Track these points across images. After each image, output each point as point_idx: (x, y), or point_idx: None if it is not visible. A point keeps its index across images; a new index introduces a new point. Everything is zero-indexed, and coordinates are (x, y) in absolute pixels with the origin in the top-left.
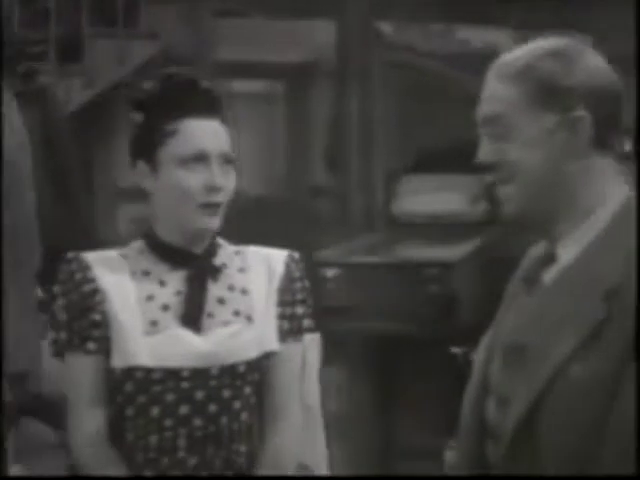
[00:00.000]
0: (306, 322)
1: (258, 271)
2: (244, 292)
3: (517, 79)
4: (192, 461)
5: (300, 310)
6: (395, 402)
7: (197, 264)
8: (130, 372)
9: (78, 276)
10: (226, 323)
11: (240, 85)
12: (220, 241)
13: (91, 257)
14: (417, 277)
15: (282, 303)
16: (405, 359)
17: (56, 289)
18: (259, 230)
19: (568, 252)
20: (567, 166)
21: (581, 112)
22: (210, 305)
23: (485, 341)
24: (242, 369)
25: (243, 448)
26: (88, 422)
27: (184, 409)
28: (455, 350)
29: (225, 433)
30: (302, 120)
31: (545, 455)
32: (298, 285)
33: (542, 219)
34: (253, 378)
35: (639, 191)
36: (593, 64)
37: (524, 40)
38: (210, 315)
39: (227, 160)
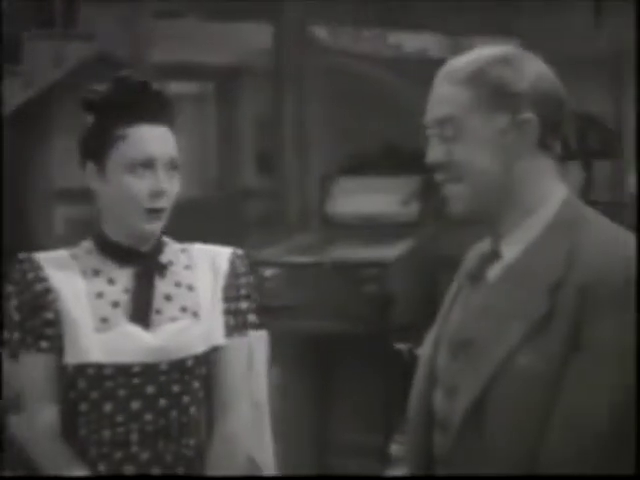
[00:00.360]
0: (250, 317)
1: (203, 268)
2: (190, 289)
3: (468, 83)
4: (144, 455)
5: (244, 305)
6: (332, 400)
7: (144, 262)
8: (82, 368)
9: (30, 276)
10: (173, 319)
11: (172, 86)
12: (166, 239)
13: (42, 257)
14: (354, 277)
15: (227, 299)
16: (342, 357)
17: (8, 289)
18: (192, 232)
19: (511, 250)
20: (514, 166)
21: (529, 114)
22: (158, 301)
23: (430, 336)
24: (190, 364)
25: (192, 442)
26: (41, 418)
27: (135, 404)
28: (400, 346)
29: (175, 427)
30: (234, 122)
31: (492, 445)
32: (242, 281)
33: (488, 217)
34: (201, 372)
35: None
36: (539, 70)
37: (455, 45)
38: (158, 311)
39: (173, 166)
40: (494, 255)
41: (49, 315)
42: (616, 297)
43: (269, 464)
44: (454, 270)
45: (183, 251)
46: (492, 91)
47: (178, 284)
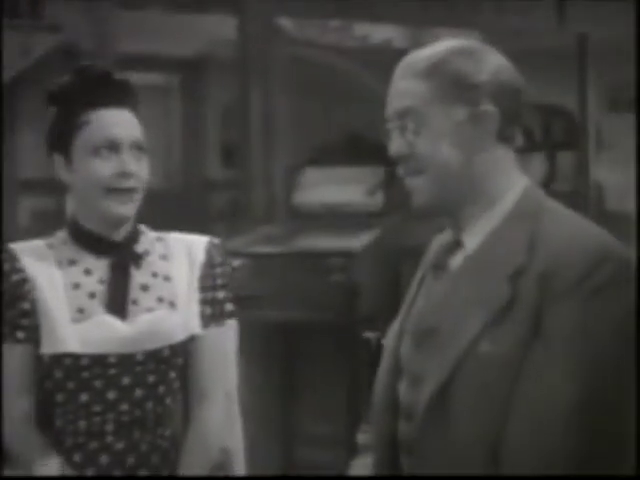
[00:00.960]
0: (228, 306)
1: (180, 258)
2: (167, 279)
3: (428, 75)
4: (119, 445)
5: (221, 295)
6: (298, 390)
7: (119, 252)
8: (59, 359)
9: (6, 267)
10: (150, 309)
11: (137, 77)
12: (142, 228)
13: (18, 247)
14: (320, 266)
15: (203, 289)
16: (308, 347)
17: None
18: (158, 223)
19: (473, 239)
20: (474, 158)
21: (488, 106)
22: (134, 292)
23: (394, 326)
24: (166, 353)
25: (167, 432)
26: (17, 408)
27: (111, 394)
28: (368, 335)
29: (150, 417)
30: (199, 113)
31: (456, 433)
32: (219, 270)
33: (450, 209)
34: (177, 362)
35: (639, 185)
36: (499, 62)
37: (420, 37)
38: (134, 302)
39: (138, 148)
40: (456, 245)
41: (25, 305)
42: (575, 285)
43: (239, 453)
44: (418, 260)
45: (159, 240)
46: (451, 83)
47: (154, 274)
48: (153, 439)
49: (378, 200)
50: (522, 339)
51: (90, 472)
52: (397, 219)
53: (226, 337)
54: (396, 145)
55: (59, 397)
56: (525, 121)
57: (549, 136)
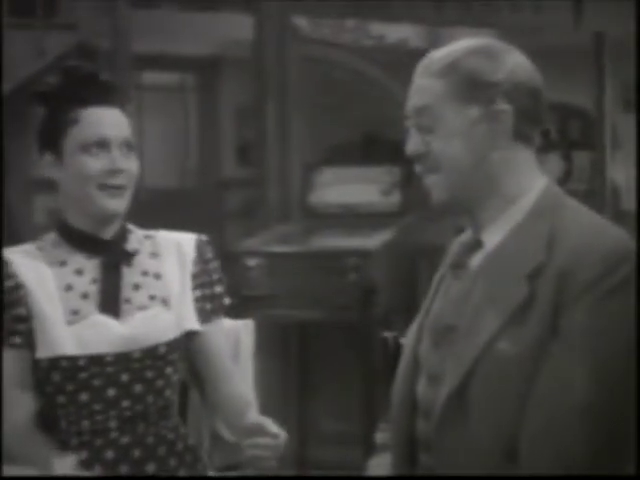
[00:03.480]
0: (225, 300)
1: (169, 256)
2: (157, 277)
3: (444, 74)
4: (124, 440)
5: (219, 289)
6: (314, 389)
7: (110, 251)
8: (56, 362)
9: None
10: (143, 307)
11: (153, 77)
12: (129, 226)
13: (9, 253)
14: (336, 266)
15: (200, 285)
16: (324, 346)
17: None
18: (173, 222)
19: (492, 238)
20: (489, 156)
21: (504, 105)
22: (126, 291)
23: (414, 325)
24: (162, 350)
25: (171, 423)
26: (16, 413)
27: (111, 392)
28: (386, 334)
29: (152, 411)
30: (215, 113)
31: (473, 430)
32: (212, 266)
33: (468, 207)
34: (173, 358)
35: (639, 185)
36: (516, 61)
37: (435, 36)
38: (127, 301)
39: (128, 145)
40: (476, 244)
41: (21, 311)
42: (592, 284)
43: None
44: (434, 259)
45: (147, 238)
46: (466, 82)
47: (145, 273)
48: (157, 431)
49: (394, 200)
50: (539, 338)
51: (97, 468)
52: (413, 219)
53: (236, 336)
54: (413, 143)
55: (60, 399)
56: (543, 120)
57: (565, 135)
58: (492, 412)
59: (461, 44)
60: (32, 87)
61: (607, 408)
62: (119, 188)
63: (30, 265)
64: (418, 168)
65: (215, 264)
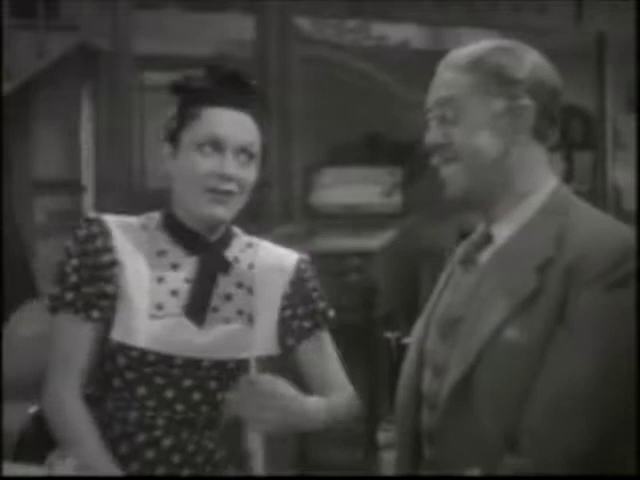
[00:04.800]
0: (330, 313)
1: (267, 272)
2: (250, 291)
3: (470, 68)
4: (167, 442)
5: (321, 305)
6: None
7: (210, 254)
8: (126, 348)
9: (98, 243)
10: (227, 320)
11: (154, 77)
12: (236, 230)
13: (112, 222)
14: (338, 266)
15: (291, 306)
16: None
17: (72, 248)
18: None
19: (503, 232)
20: (508, 151)
21: (526, 101)
22: (216, 300)
23: (421, 320)
24: (231, 366)
25: (214, 434)
26: (69, 383)
27: (170, 393)
28: (389, 334)
29: (201, 420)
30: None
31: (478, 421)
32: (310, 285)
33: (482, 200)
34: (239, 375)
35: (639, 185)
36: (537, 60)
37: (438, 37)
38: (215, 309)
39: (247, 153)
40: (487, 239)
41: (109, 288)
42: (599, 276)
43: (258, 453)
44: (435, 260)
45: (249, 246)
46: (491, 76)
47: (240, 285)
48: (200, 439)
49: (395, 201)
50: (546, 329)
51: (134, 466)
52: (414, 220)
53: (327, 342)
54: (433, 134)
55: (116, 382)
56: (557, 120)
57: (566, 136)
58: (497, 403)
59: (485, 43)
60: (34, 86)
61: (610, 397)
62: (226, 194)
63: (130, 244)
64: (436, 160)
65: (314, 283)
